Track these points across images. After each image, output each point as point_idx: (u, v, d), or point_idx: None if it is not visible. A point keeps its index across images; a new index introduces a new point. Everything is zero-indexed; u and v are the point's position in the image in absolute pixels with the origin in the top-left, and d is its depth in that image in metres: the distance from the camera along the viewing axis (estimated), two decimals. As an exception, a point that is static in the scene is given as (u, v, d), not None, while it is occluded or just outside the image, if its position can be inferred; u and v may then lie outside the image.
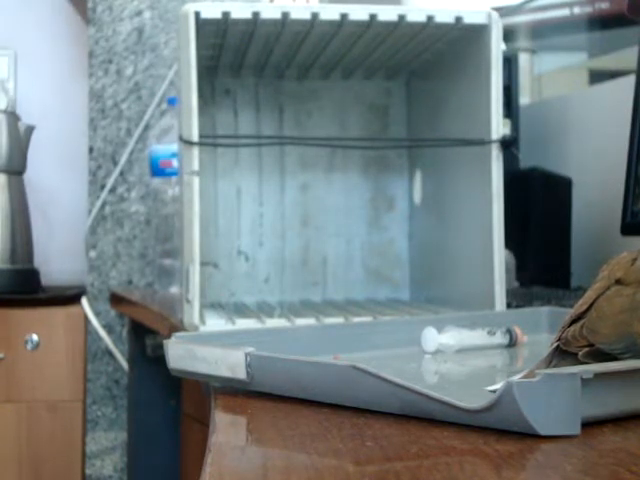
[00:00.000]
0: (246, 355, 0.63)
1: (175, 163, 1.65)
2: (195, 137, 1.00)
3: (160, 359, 0.76)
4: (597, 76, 1.90)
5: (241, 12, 1.02)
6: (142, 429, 1.82)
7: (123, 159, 1.87)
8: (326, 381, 0.59)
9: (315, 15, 1.03)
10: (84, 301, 1.84)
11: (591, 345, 0.58)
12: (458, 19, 1.04)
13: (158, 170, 1.70)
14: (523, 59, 1.77)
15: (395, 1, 1.86)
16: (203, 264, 1.12)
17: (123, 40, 1.88)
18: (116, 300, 1.78)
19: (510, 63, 1.50)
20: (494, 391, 0.50)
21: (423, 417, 0.54)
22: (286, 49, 1.17)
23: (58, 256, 2.13)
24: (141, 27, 1.89)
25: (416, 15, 1.04)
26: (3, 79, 1.92)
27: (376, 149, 1.33)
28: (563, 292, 1.25)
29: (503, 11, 1.61)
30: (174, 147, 1.63)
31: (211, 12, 1.02)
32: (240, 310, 1.17)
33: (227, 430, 0.56)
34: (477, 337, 0.84)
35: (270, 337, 0.79)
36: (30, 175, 1.90)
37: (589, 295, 0.62)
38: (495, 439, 0.49)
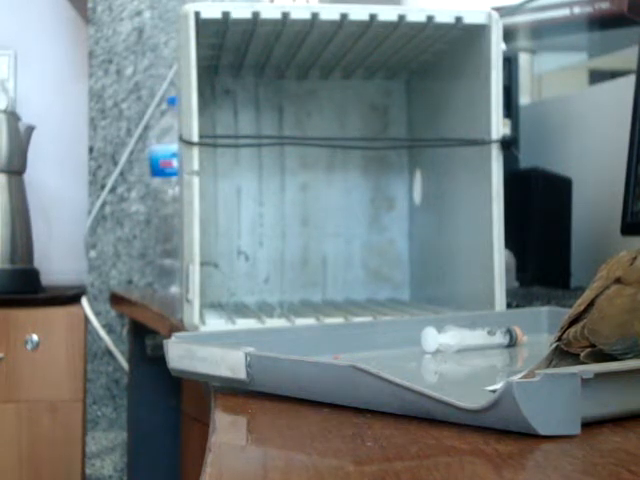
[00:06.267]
0: (246, 355, 0.63)
1: (175, 163, 1.65)
2: (195, 137, 1.00)
3: (160, 359, 0.76)
4: (597, 76, 1.90)
5: (241, 12, 1.02)
6: (142, 429, 1.82)
7: (123, 159, 1.87)
8: (326, 381, 0.59)
9: (315, 15, 1.03)
10: (84, 301, 1.84)
11: (593, 346, 0.58)
12: (458, 19, 1.04)
13: (158, 170, 1.70)
14: (523, 59, 1.77)
15: (395, 1, 1.86)
16: (203, 264, 1.12)
17: (123, 40, 1.88)
18: (116, 300, 1.78)
19: (510, 63, 1.50)
20: (494, 391, 0.50)
21: (423, 417, 0.54)
22: (286, 49, 1.17)
23: (58, 256, 2.13)
24: (141, 27, 1.89)
25: (416, 15, 1.04)
26: (3, 79, 1.92)
27: (376, 149, 1.33)
28: (563, 292, 1.25)
29: (503, 11, 1.61)
30: (174, 147, 1.63)
31: (211, 12, 1.02)
32: (240, 310, 1.17)
33: (227, 430, 0.56)
34: (477, 337, 0.84)
35: (270, 337, 0.79)
36: (30, 175, 1.90)
37: (587, 295, 0.62)
38: (495, 439, 0.49)
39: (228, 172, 1.30)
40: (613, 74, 1.68)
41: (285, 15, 1.02)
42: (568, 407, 0.49)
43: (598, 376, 0.50)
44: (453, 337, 0.83)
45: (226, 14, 1.02)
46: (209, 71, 1.27)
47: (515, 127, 1.50)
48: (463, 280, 1.12)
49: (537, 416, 0.48)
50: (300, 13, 1.03)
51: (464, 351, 0.83)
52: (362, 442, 0.50)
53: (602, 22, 1.72)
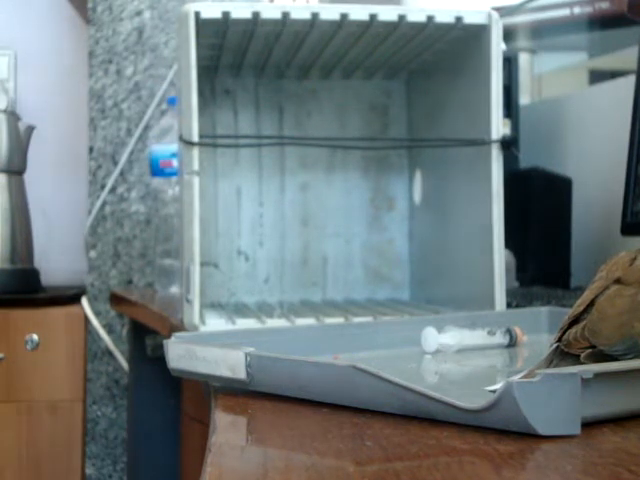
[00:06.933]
0: (246, 355, 0.63)
1: (175, 163, 1.65)
2: (195, 137, 1.00)
3: (160, 359, 0.76)
4: (597, 76, 1.90)
5: (241, 12, 1.02)
6: (142, 429, 1.82)
7: (123, 159, 1.87)
8: (326, 381, 0.59)
9: (315, 15, 1.03)
10: (84, 301, 1.84)
11: (593, 347, 0.58)
12: (458, 19, 1.04)
13: (158, 170, 1.70)
14: (523, 59, 1.77)
15: (395, 1, 1.86)
16: (203, 264, 1.12)
17: (123, 40, 1.88)
18: (116, 300, 1.78)
19: (510, 63, 1.50)
20: (494, 391, 0.50)
21: (423, 417, 0.54)
22: (286, 49, 1.17)
23: (58, 256, 2.13)
24: (141, 27, 1.89)
25: (416, 15, 1.04)
26: (3, 79, 1.92)
27: (376, 149, 1.33)
28: (563, 292, 1.25)
29: (503, 11, 1.61)
30: (174, 147, 1.63)
31: (211, 12, 1.02)
32: (240, 310, 1.17)
33: (227, 430, 0.56)
34: (477, 337, 0.84)
35: (270, 337, 0.79)
36: (30, 175, 1.90)
37: (587, 295, 0.62)
38: (495, 439, 0.49)
39: (228, 172, 1.30)
40: (613, 74, 1.68)
41: (285, 15, 1.02)
42: (568, 407, 0.49)
43: (598, 376, 0.50)
44: (453, 337, 0.83)
45: (226, 14, 1.02)
46: (209, 71, 1.27)
47: (515, 127, 1.50)
48: (463, 280, 1.12)
49: (537, 416, 0.48)
50: (300, 13, 1.03)
51: (464, 351, 0.83)
52: (362, 442, 0.50)
53: (602, 22, 1.72)
